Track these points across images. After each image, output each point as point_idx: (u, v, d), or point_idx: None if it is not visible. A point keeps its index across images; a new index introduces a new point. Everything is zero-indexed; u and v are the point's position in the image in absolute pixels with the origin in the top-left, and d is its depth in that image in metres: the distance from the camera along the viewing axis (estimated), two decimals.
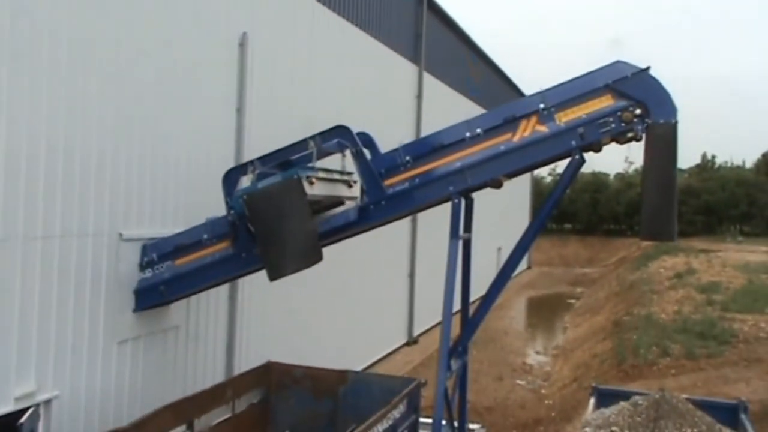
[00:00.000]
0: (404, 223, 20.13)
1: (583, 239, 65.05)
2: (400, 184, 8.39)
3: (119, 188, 8.81)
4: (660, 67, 8.01)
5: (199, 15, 10.37)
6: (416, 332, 21.58)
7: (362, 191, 8.51)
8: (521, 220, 45.53)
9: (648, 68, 7.91)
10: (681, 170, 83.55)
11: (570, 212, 69.74)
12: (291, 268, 8.11)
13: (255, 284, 11.15)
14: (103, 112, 8.46)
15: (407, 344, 21.04)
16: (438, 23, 23.57)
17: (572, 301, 34.48)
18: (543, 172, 70.17)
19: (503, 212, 32.33)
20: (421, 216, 19.99)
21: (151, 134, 9.39)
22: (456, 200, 8.34)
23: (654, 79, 7.89)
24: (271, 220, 8.02)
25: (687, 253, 37.59)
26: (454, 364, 8.96)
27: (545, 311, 32.36)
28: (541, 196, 61.28)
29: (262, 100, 11.97)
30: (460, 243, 8.82)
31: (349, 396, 9.45)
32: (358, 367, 14.53)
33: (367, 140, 8.99)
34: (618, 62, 8.02)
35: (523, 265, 47.54)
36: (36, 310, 7.59)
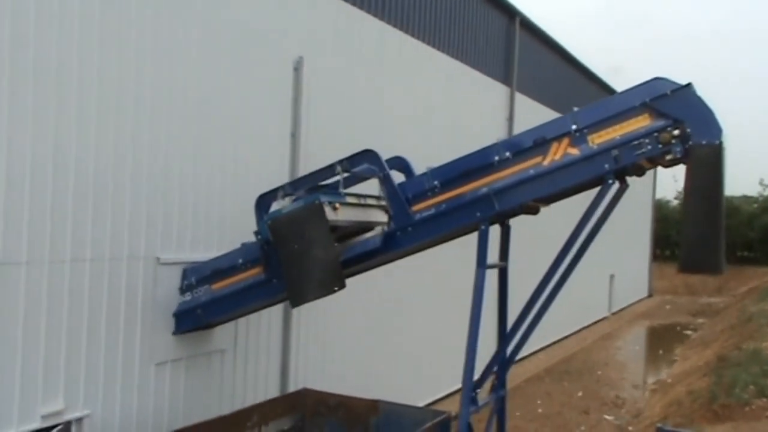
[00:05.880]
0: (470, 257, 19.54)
1: None
2: (427, 210, 8.11)
3: (157, 213, 8.99)
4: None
5: (253, 38, 10.51)
6: None
7: (389, 217, 8.30)
8: (640, 247, 43.64)
9: (689, 84, 7.26)
10: None
11: None
12: (311, 296, 7.95)
13: (312, 307, 11.03)
14: (143, 139, 8.69)
15: None
16: (531, 40, 22.88)
17: (689, 332, 32.42)
18: (668, 195, 67.15)
19: (619, 238, 30.65)
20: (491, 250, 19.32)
21: (201, 159, 9.61)
22: (483, 227, 7.97)
23: (696, 96, 7.22)
24: (292, 246, 7.93)
25: None
26: (486, 398, 8.53)
27: (656, 342, 30.51)
28: (665, 221, 58.60)
29: (320, 125, 11.96)
30: (496, 272, 8.46)
31: (381, 426, 9.17)
32: (421, 403, 14.08)
33: (403, 164, 8.85)
34: (657, 79, 7.40)
35: (642, 292, 45.52)
36: (64, 330, 7.81)
